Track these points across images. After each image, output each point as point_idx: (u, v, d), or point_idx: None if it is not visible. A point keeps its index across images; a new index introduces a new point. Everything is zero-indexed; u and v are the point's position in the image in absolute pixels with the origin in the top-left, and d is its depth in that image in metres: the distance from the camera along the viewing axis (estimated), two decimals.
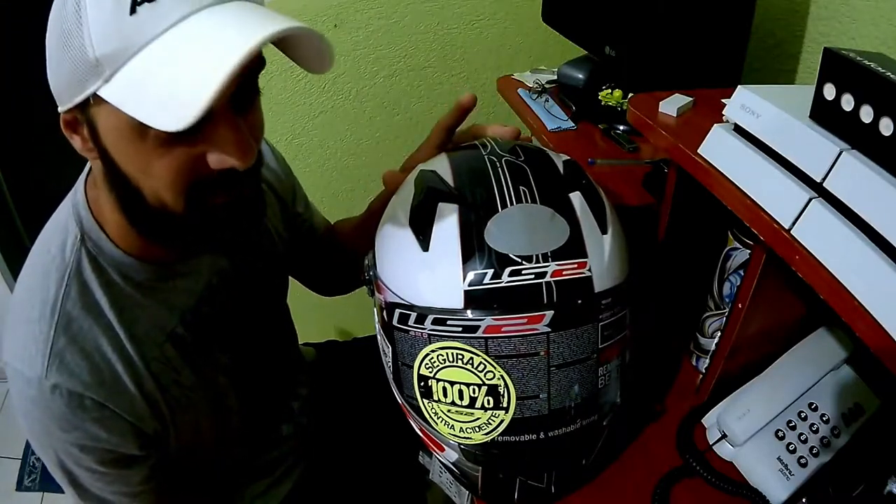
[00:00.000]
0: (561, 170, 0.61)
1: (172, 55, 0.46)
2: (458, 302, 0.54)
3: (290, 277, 0.92)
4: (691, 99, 0.74)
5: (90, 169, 0.63)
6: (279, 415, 0.88)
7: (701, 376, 0.78)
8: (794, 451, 0.65)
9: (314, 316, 1.36)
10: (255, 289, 0.77)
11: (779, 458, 0.65)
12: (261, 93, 0.57)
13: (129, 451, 0.62)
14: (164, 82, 0.45)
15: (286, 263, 0.86)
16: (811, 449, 0.65)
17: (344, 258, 0.91)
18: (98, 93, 0.47)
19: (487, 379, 0.55)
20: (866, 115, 0.47)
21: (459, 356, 0.55)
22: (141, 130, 0.49)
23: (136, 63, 0.46)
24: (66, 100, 0.51)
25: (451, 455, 0.62)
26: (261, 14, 0.49)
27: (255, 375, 0.79)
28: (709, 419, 0.73)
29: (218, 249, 0.69)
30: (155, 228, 0.58)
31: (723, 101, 0.63)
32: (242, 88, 0.52)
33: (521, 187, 0.57)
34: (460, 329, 0.54)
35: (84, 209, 0.60)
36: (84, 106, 0.50)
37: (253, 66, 0.52)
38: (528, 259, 0.53)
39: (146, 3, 0.45)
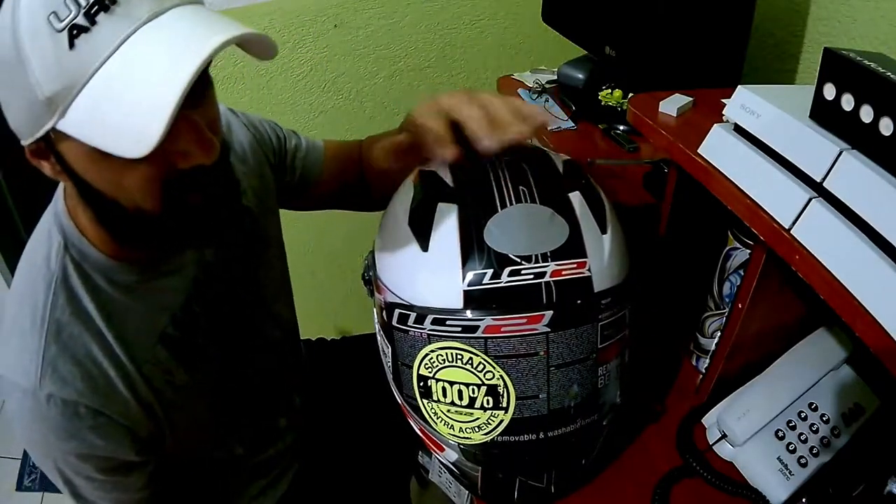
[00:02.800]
0: (560, 169, 0.61)
1: (118, 83, 0.46)
2: (457, 302, 0.54)
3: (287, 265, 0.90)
4: (691, 99, 0.74)
5: None
6: (278, 407, 0.88)
7: (701, 376, 0.78)
8: (794, 451, 0.65)
9: (312, 314, 1.36)
10: (243, 277, 0.77)
11: (779, 458, 0.65)
12: (213, 83, 0.56)
13: (127, 457, 0.62)
14: (118, 110, 0.46)
15: (270, 239, 0.84)
16: (811, 449, 0.65)
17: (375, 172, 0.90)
18: (57, 127, 0.47)
19: (487, 379, 0.55)
20: (866, 115, 0.47)
21: (459, 356, 0.55)
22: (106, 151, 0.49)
23: (86, 95, 0.46)
24: (26, 135, 0.51)
25: (451, 455, 0.62)
26: (199, 22, 0.49)
27: (253, 369, 0.78)
28: (709, 419, 0.73)
29: (201, 245, 0.69)
30: (135, 234, 0.58)
31: (723, 101, 0.63)
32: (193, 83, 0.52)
33: (520, 187, 0.57)
34: (460, 329, 0.54)
35: (65, 217, 0.60)
36: (46, 138, 0.50)
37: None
38: (528, 259, 0.53)
39: (83, 35, 0.45)
